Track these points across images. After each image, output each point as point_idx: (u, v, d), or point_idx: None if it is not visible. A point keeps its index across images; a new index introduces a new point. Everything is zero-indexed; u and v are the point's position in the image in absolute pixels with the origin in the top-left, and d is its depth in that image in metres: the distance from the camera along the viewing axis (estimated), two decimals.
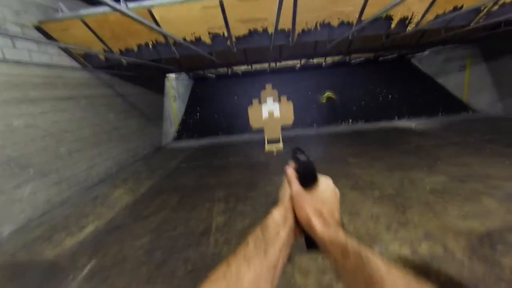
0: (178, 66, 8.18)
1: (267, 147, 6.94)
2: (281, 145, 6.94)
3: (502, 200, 3.39)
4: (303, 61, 10.57)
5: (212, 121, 10.92)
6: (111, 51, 5.09)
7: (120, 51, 5.18)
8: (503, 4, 4.89)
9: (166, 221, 3.75)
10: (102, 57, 5.45)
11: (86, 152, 5.27)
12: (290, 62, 11.02)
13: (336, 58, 10.93)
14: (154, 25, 3.90)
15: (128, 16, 2.50)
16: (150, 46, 5.08)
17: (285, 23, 4.67)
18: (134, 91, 7.43)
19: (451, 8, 4.82)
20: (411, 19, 5.01)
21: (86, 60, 5.43)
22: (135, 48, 5.16)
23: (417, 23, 5.09)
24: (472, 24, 5.44)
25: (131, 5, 4.20)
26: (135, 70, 7.03)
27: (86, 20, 4.35)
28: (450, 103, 10.29)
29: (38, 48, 4.46)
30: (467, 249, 2.54)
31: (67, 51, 5.04)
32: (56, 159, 4.57)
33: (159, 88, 9.44)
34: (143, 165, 6.85)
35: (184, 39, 4.77)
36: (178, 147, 9.20)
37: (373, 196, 3.87)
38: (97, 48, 5.03)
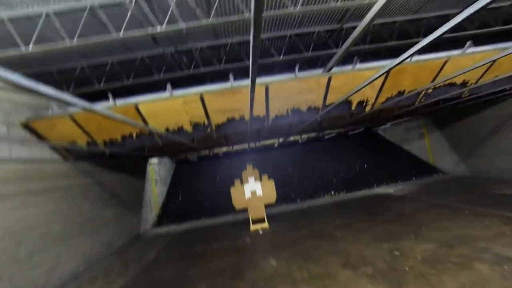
0: (161, 151, 8.48)
1: (252, 226, 6.65)
2: (266, 224, 6.70)
3: (493, 264, 3.32)
4: (280, 139, 11.42)
5: (195, 204, 10.59)
6: (95, 142, 5.30)
7: (104, 142, 5.40)
8: (435, 88, 6.01)
9: None
10: (85, 149, 5.61)
11: (51, 250, 4.73)
12: (268, 141, 11.82)
13: (311, 134, 11.95)
14: (138, 123, 4.26)
15: (114, 118, 2.76)
16: (134, 136, 5.39)
17: (260, 110, 5.30)
18: (114, 178, 7.35)
19: (396, 92, 5.82)
20: (367, 102, 5.91)
21: (68, 152, 5.54)
22: (119, 139, 5.42)
23: (373, 105, 5.98)
24: (416, 103, 6.47)
25: (119, 102, 4.67)
26: (117, 159, 7.15)
27: (75, 116, 4.69)
28: (420, 167, 11.01)
29: (20, 144, 4.56)
30: None
31: (50, 145, 5.17)
32: (12, 263, 4.02)
33: (141, 173, 9.43)
34: (117, 259, 6.12)
35: (167, 129, 5.15)
36: (158, 233, 8.54)
37: (366, 274, 3.63)
38: (81, 140, 5.23)
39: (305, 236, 5.68)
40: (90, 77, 6.92)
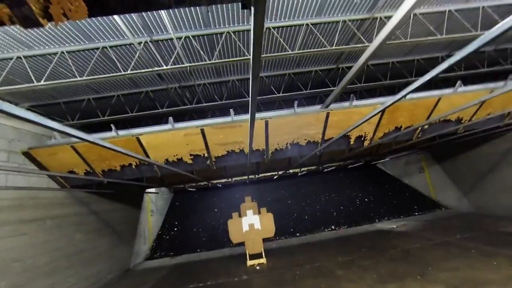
0: (160, 182, 8.42)
1: (249, 262, 6.33)
2: (264, 259, 6.39)
3: None
4: (279, 172, 11.40)
5: (191, 236, 10.20)
6: (93, 171, 5.30)
7: (103, 171, 5.41)
8: (431, 124, 6.18)
9: None
10: (83, 177, 5.60)
11: (32, 285, 4.44)
12: (268, 173, 11.79)
13: (311, 167, 11.96)
14: (139, 154, 4.32)
15: (115, 150, 2.82)
16: (134, 166, 5.41)
17: (259, 144, 5.39)
18: (109, 208, 7.19)
19: (393, 128, 5.98)
20: (365, 137, 6.04)
21: (66, 180, 5.51)
22: (118, 168, 5.44)
23: (371, 139, 6.10)
24: (413, 139, 6.60)
25: (122, 132, 4.79)
26: (115, 188, 7.08)
27: (76, 145, 4.76)
28: (422, 202, 10.80)
29: (18, 172, 4.56)
30: None
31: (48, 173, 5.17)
32: None
33: (137, 203, 9.24)
34: None
35: (167, 161, 5.20)
36: (151, 267, 8.07)
37: None
38: (80, 168, 5.24)
39: (305, 274, 5.38)
40: (95, 108, 7.18)
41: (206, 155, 5.33)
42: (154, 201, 10.84)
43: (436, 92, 5.45)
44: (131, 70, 4.95)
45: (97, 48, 4.79)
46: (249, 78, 7.15)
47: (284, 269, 5.93)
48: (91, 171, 5.34)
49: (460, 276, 4.28)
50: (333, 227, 9.77)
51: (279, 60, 6.61)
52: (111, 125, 4.69)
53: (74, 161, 5.05)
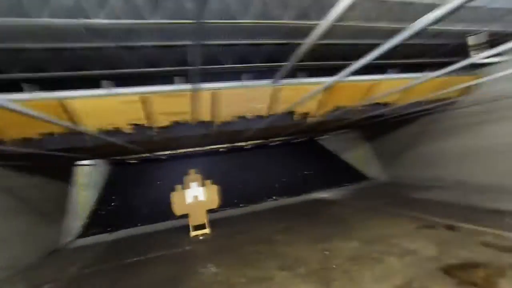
0: (92, 154, 7.54)
1: (193, 233, 6.43)
2: (207, 229, 6.56)
3: (400, 256, 3.94)
4: (226, 145, 11.42)
5: (131, 210, 9.68)
6: (1, 141, 4.40)
7: (15, 140, 4.53)
8: (365, 106, 6.89)
9: None
10: None
11: None
12: (214, 146, 11.69)
13: (257, 141, 12.29)
14: (65, 122, 3.73)
15: (23, 113, 2.34)
16: (57, 135, 4.67)
17: (206, 116, 5.22)
18: (27, 183, 6.20)
19: (334, 107, 6.47)
20: (308, 114, 6.39)
21: None
22: (37, 137, 4.63)
23: (314, 116, 6.50)
24: (350, 118, 7.29)
25: (39, 95, 4.01)
26: (31, 159, 6.07)
27: None
28: (353, 174, 12.37)
29: None
30: None
31: None
32: None
33: (65, 177, 8.19)
34: (21, 280, 5.12)
35: (100, 130, 4.63)
36: (85, 245, 7.49)
37: (300, 274, 3.87)
38: None
39: (246, 241, 5.76)
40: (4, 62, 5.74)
41: (147, 125, 4.93)
42: (88, 174, 9.77)
43: (371, 77, 6.04)
44: (48, 17, 4.02)
45: None
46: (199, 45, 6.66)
47: (226, 238, 6.23)
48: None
49: (373, 233, 5.19)
50: (274, 198, 10.51)
51: (230, 29, 6.26)
52: (22, 84, 3.87)
53: None
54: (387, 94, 4.78)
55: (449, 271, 3.38)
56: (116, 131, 4.85)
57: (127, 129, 4.88)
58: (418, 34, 2.04)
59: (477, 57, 3.67)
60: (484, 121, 7.08)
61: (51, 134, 4.67)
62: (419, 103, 7.29)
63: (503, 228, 4.43)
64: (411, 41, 8.14)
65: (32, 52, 5.71)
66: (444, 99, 7.18)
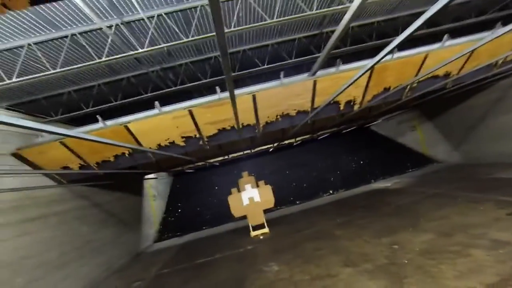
0: (156, 167, 8.47)
1: (253, 233, 6.65)
2: (266, 229, 6.70)
3: (489, 249, 3.37)
4: (274, 144, 11.49)
5: (195, 215, 10.55)
6: (88, 165, 5.30)
7: (97, 163, 5.40)
8: (419, 82, 6.15)
9: None
10: (78, 171, 5.60)
11: (49, 278, 4.67)
12: (263, 147, 11.89)
13: (305, 136, 12.05)
14: (128, 144, 4.28)
15: (102, 142, 2.78)
16: (127, 155, 5.40)
17: (250, 119, 5.36)
18: (110, 198, 7.31)
19: (382, 89, 5.94)
20: (354, 101, 6.01)
21: (61, 176, 5.52)
22: (112, 159, 5.43)
23: (360, 103, 6.09)
24: (403, 98, 6.59)
25: (109, 123, 4.71)
26: (112, 178, 7.14)
27: (65, 141, 4.70)
28: (415, 158, 11.13)
29: (11, 174, 4.54)
30: None
31: (42, 171, 5.15)
32: None
33: (138, 190, 9.39)
34: (118, 279, 6.05)
35: (159, 145, 5.18)
36: (160, 249, 8.46)
37: (366, 270, 3.65)
38: (74, 163, 5.23)
39: (306, 238, 5.69)
40: (78, 101, 6.94)
41: (197, 135, 5.31)
42: (155, 186, 11.01)
43: (423, 49, 5.35)
44: (106, 56, 4.71)
45: (66, 37, 4.49)
46: (233, 52, 6.91)
47: (286, 236, 6.26)
48: (85, 164, 5.34)
49: (449, 223, 4.57)
50: (331, 192, 10.13)
51: (260, 31, 6.31)
52: (97, 116, 4.59)
53: (66, 157, 5.01)
54: (445, 64, 4.16)
55: None
56: (172, 145, 5.35)
57: (180, 142, 5.34)
58: None
59: None
60: None
61: (121, 155, 5.42)
62: (489, 67, 6.17)
63: None
64: None
65: (98, 88, 6.79)
66: None
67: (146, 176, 10.10)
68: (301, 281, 3.83)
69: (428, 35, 7.96)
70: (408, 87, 6.22)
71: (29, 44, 4.44)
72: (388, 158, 11.55)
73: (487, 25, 7.65)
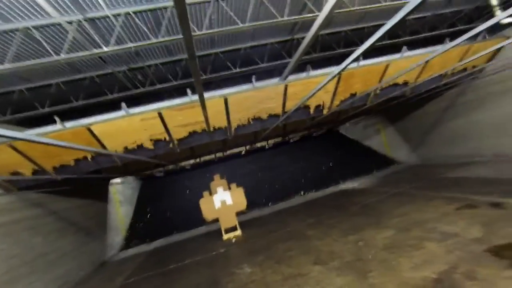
0: (123, 171, 8.02)
1: (225, 236, 6.59)
2: (238, 231, 6.68)
3: (439, 241, 3.73)
4: (246, 147, 11.54)
5: (165, 220, 10.14)
6: (43, 170, 4.84)
7: (54, 168, 4.97)
8: (382, 89, 6.62)
9: None
10: (31, 178, 5.09)
11: None
12: (235, 150, 11.87)
13: (277, 139, 12.27)
14: (90, 147, 4.02)
15: (60, 146, 2.57)
16: (89, 159, 5.04)
17: (221, 122, 5.34)
18: (70, 205, 6.74)
19: (349, 95, 6.29)
20: (323, 105, 6.28)
21: (10, 183, 4.98)
22: (72, 163, 5.03)
23: (329, 108, 6.37)
24: (368, 103, 7.04)
25: (69, 124, 4.36)
26: (72, 184, 6.60)
27: (15, 144, 4.25)
28: (379, 160, 11.90)
29: None
30: None
31: None
32: None
33: (102, 196, 8.79)
34: None
35: (126, 148, 4.92)
36: (127, 257, 7.98)
37: (335, 267, 3.81)
38: (25, 168, 4.75)
39: (278, 239, 5.78)
40: (32, 100, 6.33)
41: (167, 138, 5.14)
42: (121, 191, 10.39)
43: (385, 58, 5.78)
44: (66, 53, 4.38)
45: (17, 30, 4.09)
46: (204, 55, 6.83)
47: (258, 238, 6.29)
48: (40, 169, 4.87)
49: (407, 219, 4.96)
50: (302, 193, 10.41)
51: (232, 35, 6.34)
52: (55, 117, 4.23)
53: (16, 161, 4.53)
54: (404, 72, 4.55)
55: (498, 252, 3.14)
56: (140, 148, 5.12)
57: (149, 144, 5.13)
58: (422, 5, 1.92)
59: (504, 16, 3.21)
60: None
61: (83, 159, 5.05)
62: (440, 77, 6.85)
63: None
64: (420, 14, 7.73)
65: (56, 87, 6.26)
66: (467, 68, 6.69)
67: (112, 181, 9.50)
68: (274, 282, 3.88)
69: (390, 46, 8.64)
70: (372, 93, 6.67)
71: None
72: (355, 160, 12.20)
73: (439, 40, 8.51)
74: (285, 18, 5.35)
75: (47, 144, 2.27)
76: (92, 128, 4.37)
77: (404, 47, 5.74)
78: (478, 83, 7.37)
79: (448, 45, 3.56)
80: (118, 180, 10.07)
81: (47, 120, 5.56)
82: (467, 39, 3.34)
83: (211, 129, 5.25)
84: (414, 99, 8.52)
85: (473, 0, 7.74)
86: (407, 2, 2.10)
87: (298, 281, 3.72)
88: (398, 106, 9.31)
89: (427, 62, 5.32)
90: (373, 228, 4.99)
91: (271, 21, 5.34)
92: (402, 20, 2.07)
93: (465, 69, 6.82)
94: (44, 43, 4.36)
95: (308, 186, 10.88)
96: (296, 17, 5.40)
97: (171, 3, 4.53)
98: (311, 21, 6.47)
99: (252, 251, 5.52)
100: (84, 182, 7.05)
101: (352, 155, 12.56)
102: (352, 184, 10.03)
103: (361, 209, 6.50)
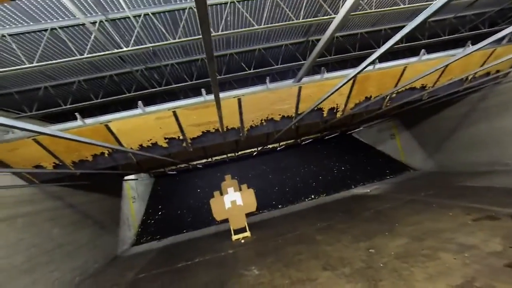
0: (137, 168, 8.24)
1: (234, 237, 6.62)
2: (248, 233, 6.69)
3: (456, 253, 3.58)
4: (258, 148, 11.56)
5: (176, 218, 10.31)
6: (63, 164, 5.06)
7: (74, 162, 5.17)
8: (398, 93, 6.45)
9: None
10: (52, 171, 5.33)
11: (13, 284, 4.37)
12: (247, 150, 11.91)
13: (289, 141, 12.21)
14: (108, 144, 4.15)
15: (80, 141, 2.68)
16: (106, 154, 5.22)
17: (234, 122, 5.38)
18: (86, 199, 7.00)
19: (364, 98, 6.18)
20: (337, 108, 6.20)
21: (33, 175, 5.23)
22: (90, 158, 5.22)
23: (343, 111, 6.29)
24: (383, 107, 6.89)
25: (89, 121, 4.53)
26: (89, 179, 6.85)
27: (38, 138, 4.46)
28: (393, 166, 11.60)
29: None
30: None
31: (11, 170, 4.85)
32: None
33: (116, 192, 9.06)
34: (92, 284, 5.77)
35: (141, 146, 5.05)
36: (138, 252, 8.17)
37: (344, 274, 3.75)
38: (47, 162, 4.97)
39: (287, 242, 5.74)
40: (55, 97, 6.63)
41: (181, 137, 5.24)
42: (135, 188, 10.67)
43: (402, 61, 5.64)
44: (88, 53, 4.56)
45: (45, 30, 4.31)
46: (220, 56, 6.92)
47: (267, 240, 6.28)
48: (61, 163, 5.09)
49: (422, 228, 4.80)
50: (312, 196, 10.30)
51: (248, 36, 6.38)
52: (76, 113, 4.41)
53: (39, 155, 4.76)
54: (422, 76, 4.42)
55: None
56: (154, 146, 5.24)
57: (163, 143, 5.24)
58: (445, 7, 1.87)
59: None
60: None
61: (100, 155, 5.23)
62: (461, 82, 6.60)
63: None
64: (440, 17, 7.48)
65: (78, 84, 6.53)
66: (491, 73, 6.41)
67: (126, 177, 9.77)
68: (281, 285, 3.86)
69: (407, 49, 8.42)
70: (388, 97, 6.52)
71: (2, 35, 4.20)
72: (368, 164, 11.96)
73: (459, 43, 8.21)
74: (301, 20, 5.34)
75: (69, 139, 2.38)
76: (110, 125, 4.52)
77: (423, 50, 5.58)
78: (502, 88, 7.04)
79: (470, 48, 3.43)
80: (132, 176, 10.35)
81: (68, 116, 5.80)
82: (491, 42, 3.21)
83: (224, 129, 5.30)
84: (432, 103, 8.24)
85: (498, 2, 7.41)
86: (426, 4, 2.05)
87: (306, 286, 3.68)
88: (414, 111, 9.05)
89: (447, 66, 5.15)
90: (386, 235, 4.86)
91: (287, 23, 5.34)
92: (423, 23, 2.02)
93: (488, 73, 6.54)
94: (69, 43, 4.57)
95: (318, 189, 10.76)
96: (312, 19, 5.36)
97: (188, 4, 4.63)
98: (327, 23, 6.45)
99: (260, 253, 5.51)
100: (100, 177, 7.30)
101: (365, 160, 12.32)
102: (364, 189, 9.82)
103: (374, 215, 6.36)
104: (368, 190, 9.49)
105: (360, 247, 4.60)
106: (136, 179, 10.83)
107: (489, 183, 6.66)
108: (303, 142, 13.30)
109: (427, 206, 6.05)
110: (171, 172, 12.45)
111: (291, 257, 4.85)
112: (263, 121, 5.65)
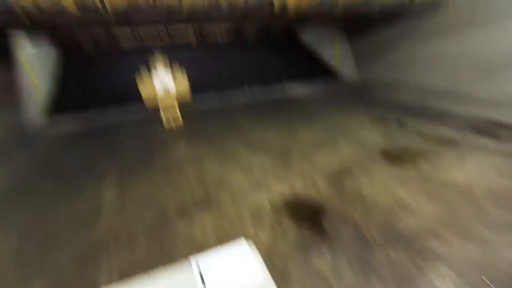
0: (28, 24, 6.29)
1: (166, 124, 6.58)
2: (180, 120, 6.71)
3: (350, 141, 4.63)
4: (198, 38, 10.20)
5: (96, 93, 9.17)
6: None
7: None
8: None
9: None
10: None
11: None
12: (184, 40, 10.52)
13: (232, 36, 11.16)
14: None
15: None
16: None
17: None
18: None
19: None
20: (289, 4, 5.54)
21: None
22: None
23: (295, 7, 5.68)
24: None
25: None
26: None
27: None
28: (327, 72, 12.36)
29: None
30: (327, 179, 3.37)
31: None
32: None
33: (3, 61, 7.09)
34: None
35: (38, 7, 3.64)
36: (51, 132, 7.34)
37: (265, 153, 4.44)
38: None
39: (218, 130, 6.10)
40: None
41: (99, 5, 3.94)
42: (36, 61, 8.49)
43: None
44: None
45: None
46: None
47: (199, 128, 6.47)
48: None
49: (332, 123, 5.81)
50: (247, 89, 10.63)
51: None
52: None
53: None
54: None
55: (386, 154, 4.06)
56: (57, 10, 3.86)
57: (72, 8, 3.90)
58: None
59: None
60: (460, 27, 6.71)
61: None
62: None
63: (443, 124, 5.15)
64: None
65: None
66: None
67: (19, 44, 7.53)
68: (206, 158, 4.44)
69: None
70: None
71: None
72: (302, 65, 12.34)
73: None
74: None
75: None
76: None
77: None
78: (430, 19, 7.35)
79: None
80: (27, 43, 8.00)
81: None
82: None
83: (158, 5, 4.21)
84: (377, 17, 8.25)
85: None
86: None
87: (230, 160, 4.24)
88: (359, 23, 9.01)
89: None
90: (305, 128, 5.67)
91: None
92: None
93: None
94: None
95: (253, 81, 11.04)
96: None
97: None
98: None
99: (190, 138, 5.69)
100: None
101: (300, 61, 12.58)
102: (297, 91, 10.54)
103: (299, 112, 7.13)
104: (299, 92, 10.25)
105: (281, 135, 5.32)
106: (36, 50, 8.44)
107: (393, 97, 8.03)
108: (245, 36, 12.27)
109: (343, 108, 7.12)
110: (87, 49, 10.08)
111: (219, 140, 5.37)
112: (205, 1, 4.71)
